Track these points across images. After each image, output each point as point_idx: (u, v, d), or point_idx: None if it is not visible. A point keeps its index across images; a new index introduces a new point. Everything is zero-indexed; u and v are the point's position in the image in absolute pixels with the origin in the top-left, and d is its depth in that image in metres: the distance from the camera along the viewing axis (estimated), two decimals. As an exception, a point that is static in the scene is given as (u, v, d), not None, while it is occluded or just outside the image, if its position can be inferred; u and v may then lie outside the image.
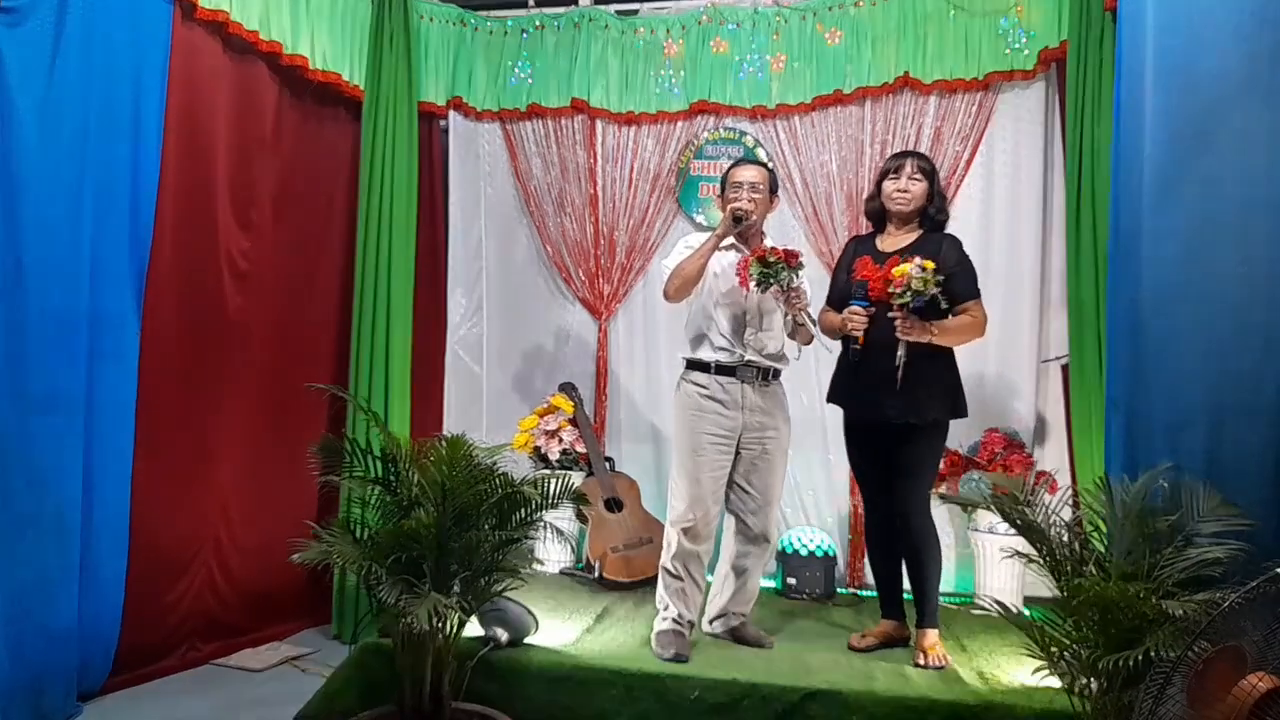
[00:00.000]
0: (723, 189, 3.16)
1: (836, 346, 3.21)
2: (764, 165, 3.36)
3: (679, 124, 4.44)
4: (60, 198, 2.88)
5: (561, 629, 3.19)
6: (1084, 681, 2.17)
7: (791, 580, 3.91)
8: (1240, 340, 2.25)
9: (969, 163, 4.10)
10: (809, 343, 3.15)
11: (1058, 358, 3.98)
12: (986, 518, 3.71)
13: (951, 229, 3.17)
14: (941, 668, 2.90)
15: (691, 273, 3.04)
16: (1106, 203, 3.31)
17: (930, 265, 2.81)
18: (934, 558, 3.03)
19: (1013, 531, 2.52)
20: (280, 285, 3.88)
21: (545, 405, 4.33)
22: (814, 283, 3.35)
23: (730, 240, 3.11)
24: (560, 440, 4.21)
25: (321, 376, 4.01)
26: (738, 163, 3.28)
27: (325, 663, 3.50)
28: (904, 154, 3.16)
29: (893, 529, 3.08)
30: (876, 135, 4.18)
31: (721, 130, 4.44)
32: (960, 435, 3.76)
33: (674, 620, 3.03)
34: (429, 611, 2.24)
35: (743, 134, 4.41)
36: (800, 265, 2.94)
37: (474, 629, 2.86)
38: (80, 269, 2.95)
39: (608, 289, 4.50)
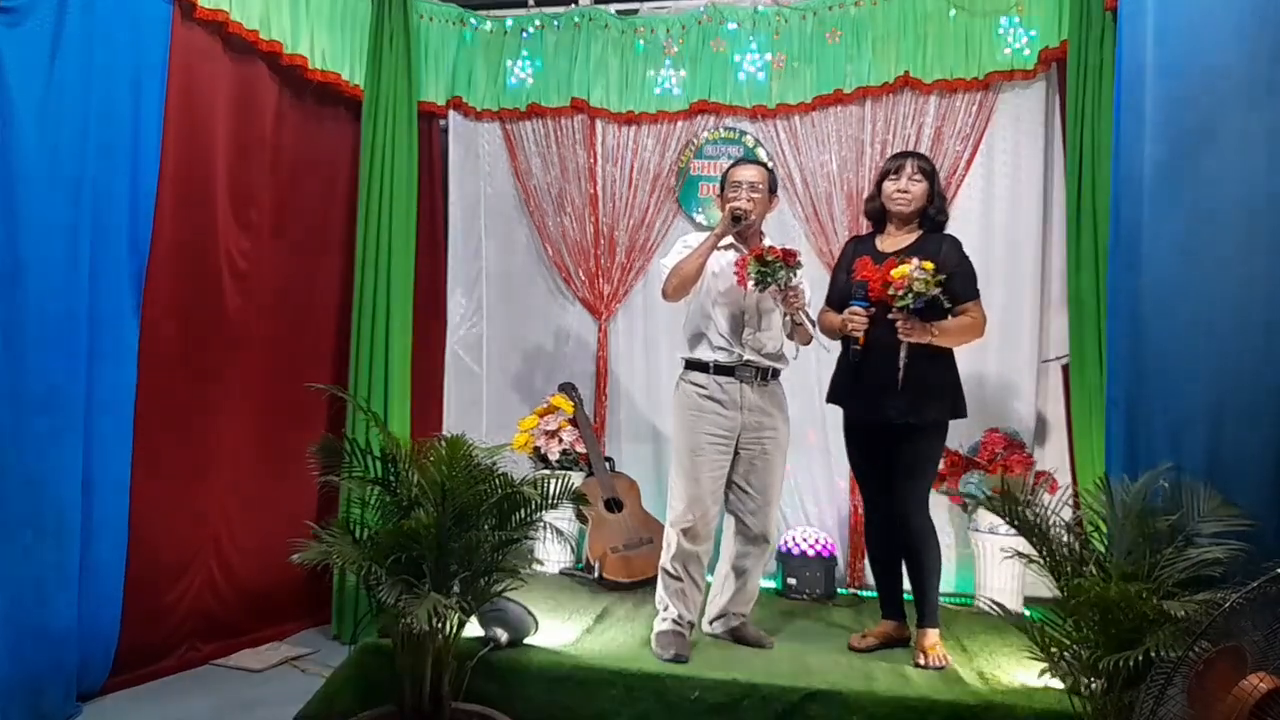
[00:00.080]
0: (722, 188, 3.16)
1: (835, 346, 3.21)
2: (764, 165, 3.36)
3: (679, 124, 4.44)
4: (59, 197, 2.88)
5: (561, 629, 3.19)
6: (1084, 682, 2.17)
7: (791, 580, 3.91)
8: (1241, 340, 2.25)
9: (969, 162, 4.10)
10: (808, 343, 3.14)
11: (1058, 358, 3.98)
12: (987, 518, 3.71)
13: (952, 229, 3.17)
14: (942, 668, 2.90)
15: (690, 272, 3.04)
16: (1107, 202, 3.31)
17: (930, 266, 2.81)
18: (934, 558, 3.03)
19: (1013, 532, 2.52)
20: (280, 285, 3.88)
21: (545, 405, 4.33)
22: (814, 283, 3.35)
23: (729, 240, 3.11)
24: (560, 440, 4.21)
25: (321, 376, 4.01)
26: (737, 162, 3.28)
27: (325, 663, 3.50)
28: (904, 154, 3.15)
29: (893, 529, 3.08)
30: (877, 135, 4.18)
31: (721, 130, 4.43)
32: (960, 435, 3.76)
33: (674, 621, 3.02)
34: (429, 612, 2.24)
35: (743, 134, 4.41)
36: (798, 264, 2.94)
37: (474, 629, 2.86)
38: (79, 269, 2.94)
39: (608, 289, 4.50)
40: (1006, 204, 4.11)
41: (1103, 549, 2.35)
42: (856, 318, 2.91)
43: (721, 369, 3.07)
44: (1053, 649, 2.24)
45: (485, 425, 4.55)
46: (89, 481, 3.00)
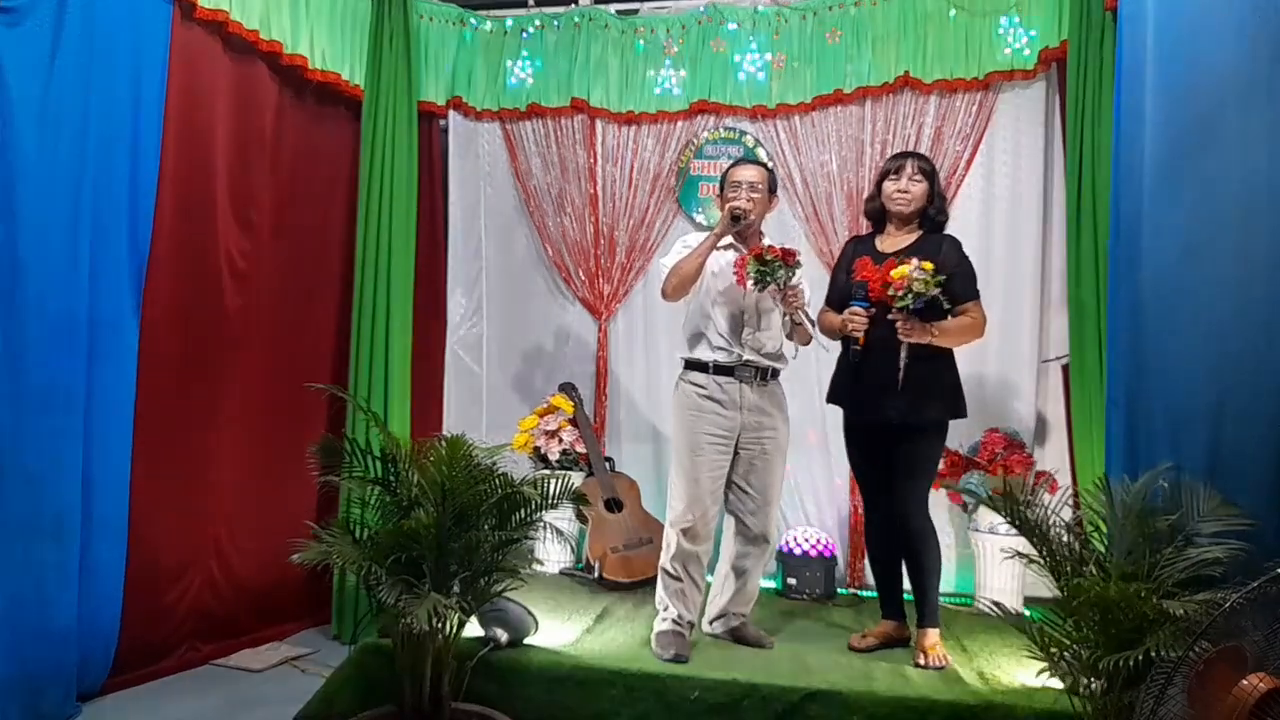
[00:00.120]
0: (721, 188, 3.16)
1: (834, 346, 3.21)
2: (763, 165, 3.36)
3: (679, 124, 4.44)
4: (59, 197, 2.88)
5: (561, 629, 3.19)
6: (1084, 682, 2.17)
7: (791, 580, 3.91)
8: (1242, 340, 2.25)
9: (969, 162, 4.10)
10: (807, 343, 3.14)
11: (1058, 358, 3.98)
12: (987, 518, 3.71)
13: (951, 229, 3.17)
14: (942, 668, 2.90)
15: (689, 271, 3.04)
16: (1107, 202, 3.31)
17: (929, 267, 2.81)
18: (933, 558, 3.03)
19: (1013, 531, 2.52)
20: (280, 285, 3.88)
21: (545, 405, 4.33)
22: (814, 283, 3.35)
23: (729, 240, 3.11)
24: (560, 440, 4.21)
25: (321, 376, 4.01)
26: (737, 162, 3.28)
27: (325, 663, 3.49)
28: (904, 154, 3.16)
29: (893, 529, 3.08)
30: (877, 135, 4.18)
31: (721, 130, 4.43)
32: (960, 435, 3.76)
33: (674, 621, 3.02)
34: (429, 612, 2.24)
35: (743, 134, 4.41)
36: (798, 264, 2.94)
37: (474, 629, 2.86)
38: (79, 269, 2.94)
39: (608, 289, 4.50)
40: (1006, 204, 4.11)
41: (1103, 549, 2.35)
42: (857, 318, 2.91)
43: (721, 369, 3.07)
44: (1053, 649, 2.24)
45: (485, 425, 4.56)
46: (89, 481, 3.00)
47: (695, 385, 3.10)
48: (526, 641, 2.97)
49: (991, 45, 4.01)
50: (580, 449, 4.23)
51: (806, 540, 3.95)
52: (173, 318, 3.35)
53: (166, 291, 3.31)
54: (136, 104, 3.18)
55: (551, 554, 4.14)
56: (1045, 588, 3.13)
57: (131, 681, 3.21)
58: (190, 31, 3.37)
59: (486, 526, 2.52)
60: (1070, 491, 3.45)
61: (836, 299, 3.14)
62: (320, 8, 3.94)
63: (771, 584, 3.96)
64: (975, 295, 3.00)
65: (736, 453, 3.09)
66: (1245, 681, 1.63)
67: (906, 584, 3.15)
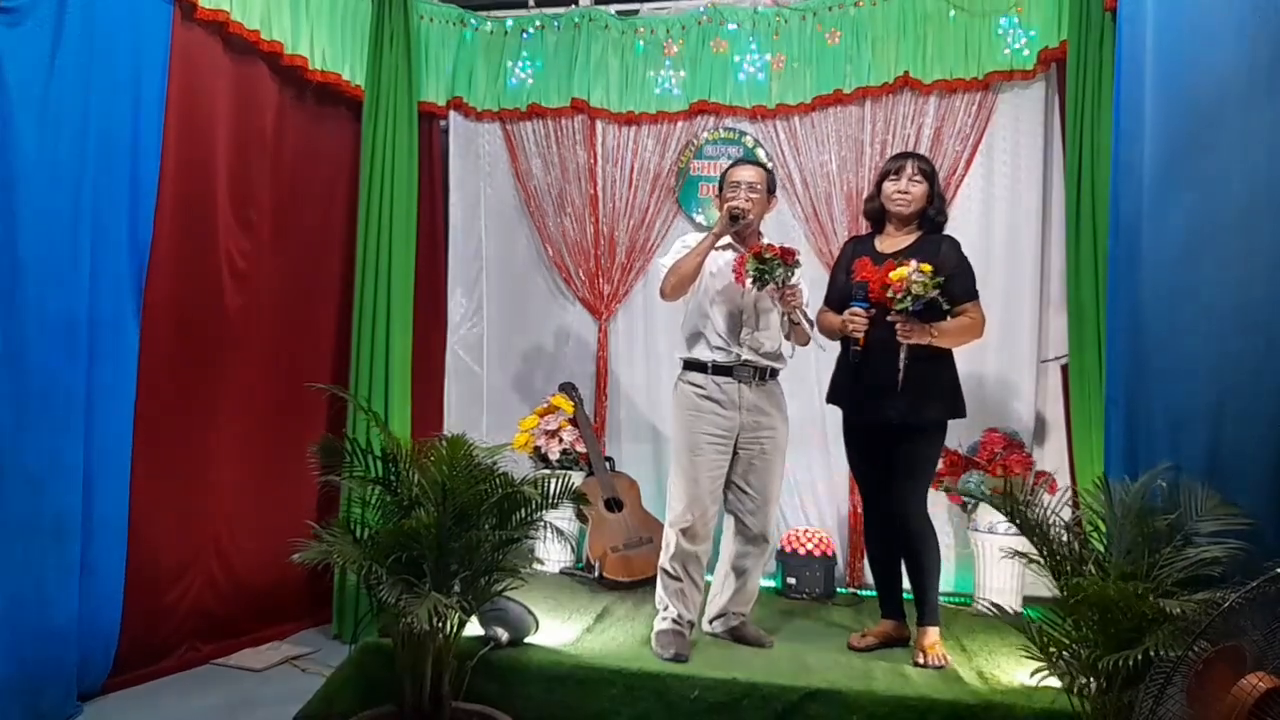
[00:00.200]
0: (720, 189, 3.16)
1: (832, 345, 3.21)
2: (762, 165, 3.36)
3: (679, 124, 4.45)
4: (59, 198, 2.88)
5: (561, 629, 3.19)
6: (1084, 681, 2.17)
7: (791, 580, 3.92)
8: (1241, 340, 2.25)
9: (969, 163, 4.11)
10: (805, 343, 3.15)
11: (1057, 358, 3.99)
12: (986, 517, 3.71)
13: (951, 229, 3.17)
14: (941, 667, 2.90)
15: (688, 271, 3.04)
16: (1106, 202, 3.31)
17: (928, 269, 2.81)
18: (933, 557, 3.03)
19: (1012, 531, 2.52)
20: (280, 285, 3.88)
21: (545, 405, 4.34)
22: (814, 283, 3.36)
23: (727, 239, 3.11)
24: (560, 440, 4.21)
25: (321, 376, 4.01)
26: (735, 163, 3.28)
27: (325, 662, 3.50)
28: (905, 155, 3.16)
29: (892, 529, 3.08)
30: (876, 135, 4.18)
31: (721, 130, 4.44)
32: (960, 435, 3.76)
33: (673, 620, 3.03)
34: (429, 611, 2.24)
35: (743, 134, 4.42)
36: (797, 263, 2.94)
37: (474, 629, 2.87)
38: (79, 269, 2.95)
39: (608, 289, 4.50)
40: (1006, 204, 4.11)
41: (1102, 548, 2.35)
42: (857, 318, 2.91)
43: (719, 369, 3.07)
44: (1052, 648, 2.24)
45: (485, 425, 4.56)
46: (89, 481, 3.00)
47: (694, 385, 3.10)
48: (527, 641, 2.98)
49: (991, 45, 4.01)
50: (580, 449, 4.24)
51: (806, 540, 3.95)
52: (173, 318, 3.35)
53: (167, 291, 3.31)
54: (137, 104, 3.18)
55: (552, 553, 4.15)
56: (1044, 587, 3.13)
57: (132, 681, 3.21)
58: (191, 32, 3.37)
59: (487, 526, 2.52)
60: (1069, 491, 3.45)
61: (835, 299, 3.14)
62: (321, 8, 3.94)
63: (771, 583, 3.96)
64: (974, 296, 3.00)
65: (735, 452, 3.09)
66: (1244, 681, 1.63)
67: (906, 583, 3.16)
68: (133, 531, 3.18)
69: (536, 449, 4.22)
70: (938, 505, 3.63)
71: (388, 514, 2.62)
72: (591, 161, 4.50)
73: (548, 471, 3.90)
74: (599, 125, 4.49)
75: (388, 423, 3.85)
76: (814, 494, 4.27)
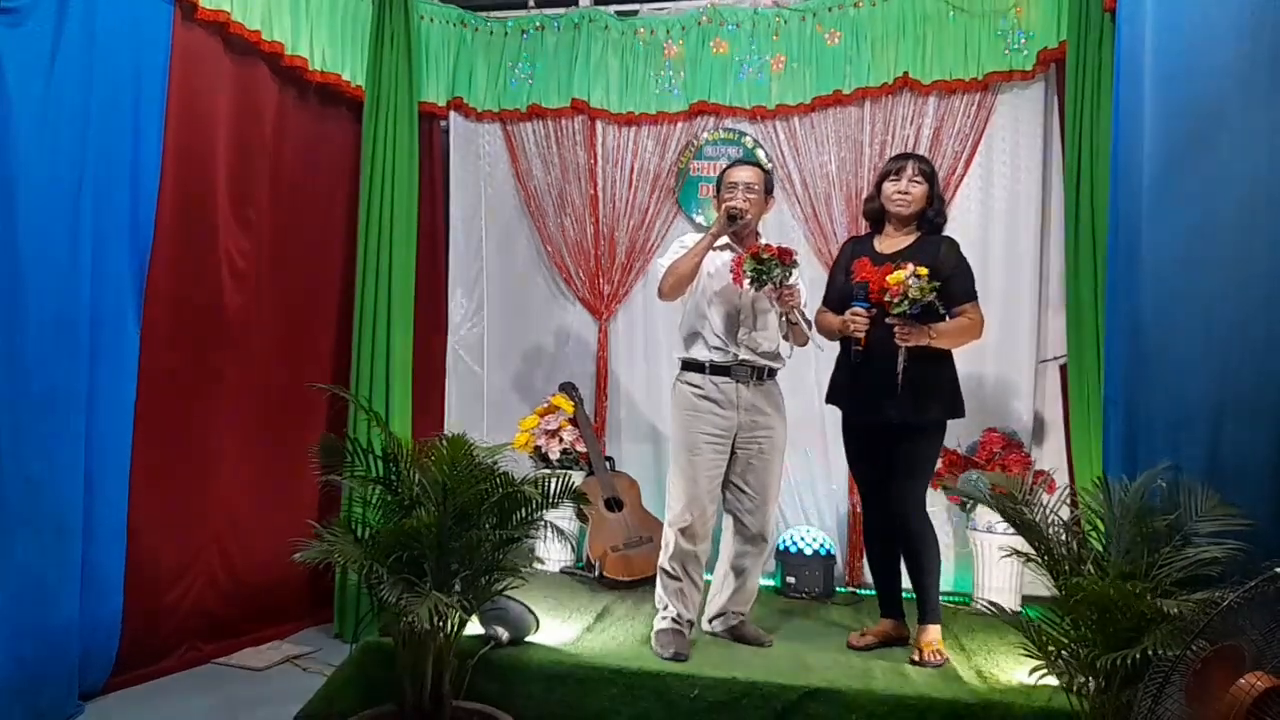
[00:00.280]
0: (718, 189, 3.17)
1: (830, 345, 3.21)
2: (760, 166, 3.36)
3: (679, 124, 4.45)
4: (59, 198, 2.88)
5: (562, 628, 3.20)
6: (1082, 680, 2.18)
7: (791, 579, 3.92)
8: (1240, 340, 2.25)
9: (968, 163, 4.11)
10: (804, 344, 3.15)
11: (1056, 357, 3.99)
12: (985, 517, 3.72)
13: (950, 229, 3.18)
14: (939, 665, 2.91)
15: (686, 271, 3.05)
16: (1105, 203, 3.32)
17: (924, 272, 2.81)
18: (932, 556, 3.04)
19: (1011, 531, 2.52)
20: (280, 285, 3.88)
21: (546, 405, 4.34)
22: (813, 283, 3.36)
23: (725, 240, 3.12)
24: (560, 440, 4.22)
25: (322, 376, 4.02)
26: (733, 163, 3.29)
27: (326, 661, 3.50)
28: (905, 156, 3.16)
29: (891, 528, 3.09)
30: (876, 136, 4.19)
31: (721, 131, 4.44)
32: (959, 435, 3.77)
33: (673, 619, 3.03)
34: (430, 610, 2.25)
35: (742, 134, 4.42)
36: (794, 263, 2.95)
37: (475, 628, 2.87)
38: (80, 269, 2.95)
39: (608, 289, 4.51)
40: (1005, 204, 4.12)
41: (1100, 548, 2.35)
42: (858, 319, 2.91)
43: (717, 369, 3.08)
44: (1050, 647, 2.25)
45: (486, 425, 4.57)
46: (89, 481, 3.00)
47: (691, 385, 3.11)
48: (527, 640, 2.99)
49: (990, 46, 4.01)
50: (580, 448, 4.24)
51: (806, 539, 3.96)
52: (173, 317, 3.36)
53: (167, 291, 3.31)
54: (137, 105, 3.18)
55: (552, 553, 4.16)
56: (1043, 586, 3.13)
57: (133, 680, 3.22)
58: (191, 32, 3.37)
59: (487, 525, 2.52)
60: (1068, 491, 3.45)
61: (834, 299, 3.14)
62: (321, 9, 3.94)
63: (771, 582, 3.97)
64: (973, 296, 3.01)
65: (734, 452, 3.10)
66: (1243, 680, 1.64)
67: (905, 582, 3.16)
68: (133, 531, 3.19)
69: (537, 449, 4.23)
70: (937, 504, 3.64)
71: (389, 513, 2.62)
72: (591, 162, 4.50)
73: (548, 471, 3.91)
74: (599, 126, 4.50)
75: (388, 422, 3.85)
76: (813, 493, 4.28)
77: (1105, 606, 2.07)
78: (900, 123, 4.16)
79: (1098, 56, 3.52)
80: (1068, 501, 2.52)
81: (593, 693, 2.76)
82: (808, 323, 3.12)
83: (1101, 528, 2.38)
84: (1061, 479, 3.75)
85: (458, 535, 2.46)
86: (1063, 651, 2.23)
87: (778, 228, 4.17)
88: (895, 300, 2.81)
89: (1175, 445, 2.51)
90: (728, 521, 3.22)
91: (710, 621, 3.23)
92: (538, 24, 4.52)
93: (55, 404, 2.86)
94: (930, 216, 3.07)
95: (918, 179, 3.04)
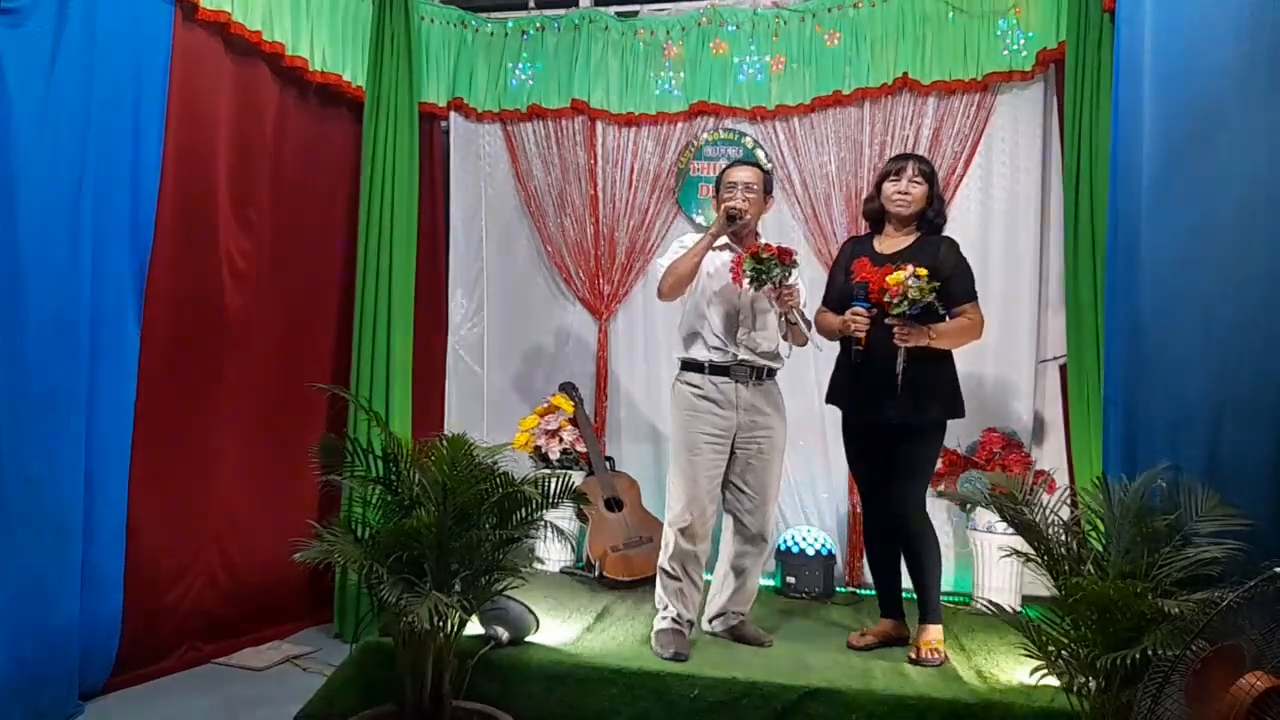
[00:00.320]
0: (717, 189, 3.17)
1: (829, 345, 3.22)
2: (758, 166, 3.37)
3: (679, 125, 4.46)
4: (60, 198, 2.88)
5: (562, 628, 3.20)
6: (1082, 680, 2.18)
7: (791, 579, 3.92)
8: (1240, 340, 2.26)
9: (968, 163, 4.11)
10: (803, 344, 3.15)
11: (1056, 358, 3.99)
12: (985, 517, 3.72)
13: (950, 229, 3.18)
14: (938, 665, 2.91)
15: (685, 271, 3.05)
16: (1105, 203, 3.32)
17: (923, 273, 2.81)
18: (933, 556, 3.04)
19: (1011, 531, 2.53)
20: (281, 285, 3.88)
21: (546, 405, 4.34)
22: (814, 283, 3.36)
23: (724, 240, 3.12)
24: (561, 440, 4.22)
25: (322, 376, 4.02)
26: (732, 163, 3.29)
27: (326, 661, 3.50)
28: (905, 156, 3.17)
29: (891, 529, 3.09)
30: (875, 136, 4.19)
31: (721, 131, 4.45)
32: (959, 435, 3.77)
33: (673, 619, 3.03)
34: (430, 610, 2.25)
35: (742, 135, 4.42)
36: (794, 263, 2.95)
37: (475, 628, 2.87)
38: (80, 269, 2.95)
39: (608, 289, 4.51)
40: (1005, 205, 4.12)
41: (1100, 548, 2.35)
42: (859, 318, 2.91)
43: (716, 369, 3.08)
44: (1050, 647, 2.25)
45: (486, 425, 4.57)
46: (89, 481, 3.00)
47: (691, 385, 3.11)
48: (527, 640, 2.99)
49: (990, 46, 4.02)
50: (580, 448, 4.24)
51: (806, 539, 3.96)
52: (174, 318, 3.36)
53: (168, 292, 3.31)
54: (138, 105, 3.18)
55: (552, 553, 4.16)
56: (1043, 586, 3.14)
57: (133, 680, 3.22)
58: (192, 33, 3.37)
59: (488, 525, 2.53)
60: (1068, 491, 3.46)
61: (834, 299, 3.15)
62: (322, 9, 3.94)
63: (771, 582, 3.97)
64: (973, 296, 3.01)
65: (733, 452, 3.10)
66: (1243, 680, 1.64)
67: (906, 582, 3.16)
68: (133, 531, 3.19)
69: (537, 448, 4.23)
70: (937, 504, 3.63)
71: (389, 513, 2.63)
72: (592, 162, 4.51)
73: (548, 471, 3.91)
74: (599, 126, 4.50)
75: (388, 422, 3.85)
76: (813, 493, 4.28)
77: (1105, 606, 2.07)
78: (900, 123, 4.16)
79: (1097, 57, 3.52)
80: (1068, 501, 2.52)
81: (593, 693, 2.76)
82: (807, 323, 3.12)
83: (1101, 528, 2.38)
84: (1061, 479, 3.76)
85: (458, 535, 2.46)
86: (1063, 651, 2.23)
87: (778, 228, 4.18)
88: (894, 301, 2.81)
89: (1175, 445, 2.51)
90: (727, 521, 3.22)
91: (710, 621, 3.23)
92: (538, 24, 4.53)
93: (55, 404, 2.87)
94: (930, 217, 3.07)
95: (918, 179, 3.04)
